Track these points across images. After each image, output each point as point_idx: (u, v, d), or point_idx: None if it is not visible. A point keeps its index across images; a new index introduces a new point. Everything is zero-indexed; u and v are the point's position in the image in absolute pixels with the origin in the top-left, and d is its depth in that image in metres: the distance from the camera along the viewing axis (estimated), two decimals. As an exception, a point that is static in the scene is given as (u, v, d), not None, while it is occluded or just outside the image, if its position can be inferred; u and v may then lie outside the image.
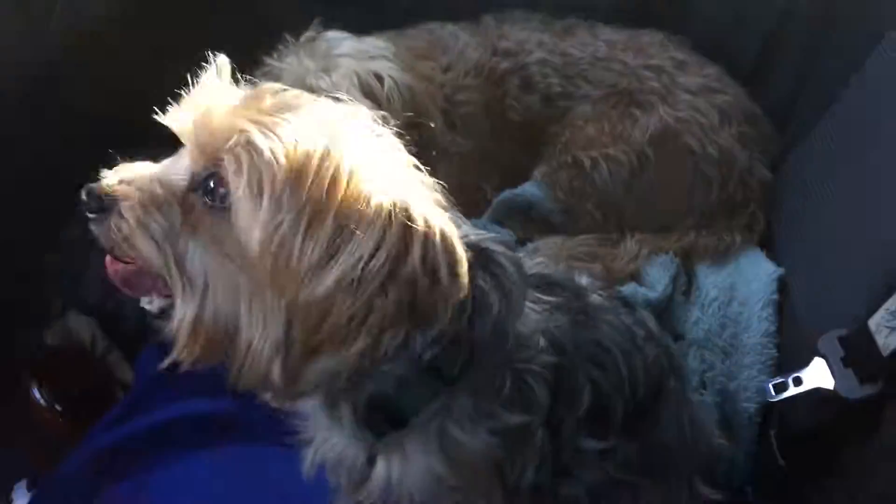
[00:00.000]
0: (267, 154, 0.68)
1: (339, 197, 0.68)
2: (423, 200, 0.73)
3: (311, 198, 0.68)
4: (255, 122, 0.70)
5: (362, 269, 0.67)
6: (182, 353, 0.74)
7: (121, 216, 0.76)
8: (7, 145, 1.31)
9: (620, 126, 1.49)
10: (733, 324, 1.31)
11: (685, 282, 1.41)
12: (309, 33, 1.44)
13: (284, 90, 0.77)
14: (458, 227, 0.77)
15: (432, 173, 1.49)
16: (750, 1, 1.59)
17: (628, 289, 1.38)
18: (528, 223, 1.54)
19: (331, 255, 0.68)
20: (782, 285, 1.30)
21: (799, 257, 1.30)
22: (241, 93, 0.77)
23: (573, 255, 1.44)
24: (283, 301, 0.69)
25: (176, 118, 0.77)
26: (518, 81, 1.54)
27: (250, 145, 0.69)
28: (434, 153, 1.54)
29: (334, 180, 0.69)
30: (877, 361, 0.95)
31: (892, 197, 1.10)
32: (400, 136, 1.14)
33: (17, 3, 1.26)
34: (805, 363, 1.04)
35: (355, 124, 0.77)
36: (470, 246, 0.76)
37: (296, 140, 0.69)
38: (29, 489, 1.28)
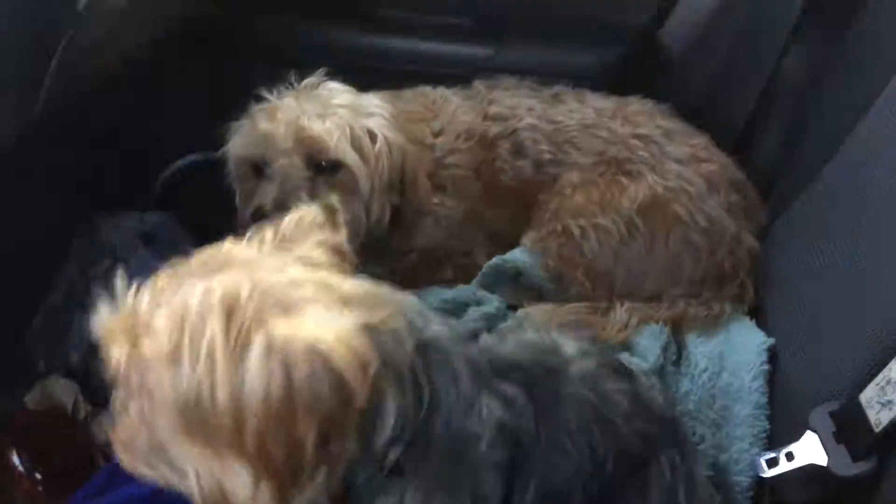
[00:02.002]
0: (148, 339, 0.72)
1: (224, 346, 0.69)
2: (321, 323, 0.70)
3: (199, 354, 0.69)
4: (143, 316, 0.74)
5: (264, 406, 0.68)
6: None
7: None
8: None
9: (609, 194, 1.49)
10: (723, 395, 1.30)
11: (675, 351, 1.40)
12: (311, 79, 1.47)
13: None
14: (409, 319, 0.80)
15: (419, 237, 1.52)
16: (737, 70, 1.63)
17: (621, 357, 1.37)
18: (517, 290, 1.54)
19: (238, 404, 0.68)
20: (772, 355, 1.30)
21: (788, 328, 1.30)
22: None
23: (563, 322, 1.43)
24: (239, 462, 0.71)
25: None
26: (509, 146, 1.56)
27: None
28: (419, 217, 1.56)
29: (221, 327, 0.69)
30: (869, 437, 0.94)
31: (882, 268, 1.10)
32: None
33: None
34: (797, 436, 1.03)
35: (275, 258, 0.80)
36: (417, 344, 0.78)
37: (176, 308, 0.72)
38: (4, 562, 1.24)
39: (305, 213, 0.87)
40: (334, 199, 1.31)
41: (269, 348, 0.68)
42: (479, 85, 1.65)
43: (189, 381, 0.69)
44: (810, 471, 1.01)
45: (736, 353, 1.35)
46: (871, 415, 0.94)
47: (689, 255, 1.45)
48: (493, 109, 1.59)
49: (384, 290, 0.81)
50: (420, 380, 0.79)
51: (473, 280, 1.56)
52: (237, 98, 1.48)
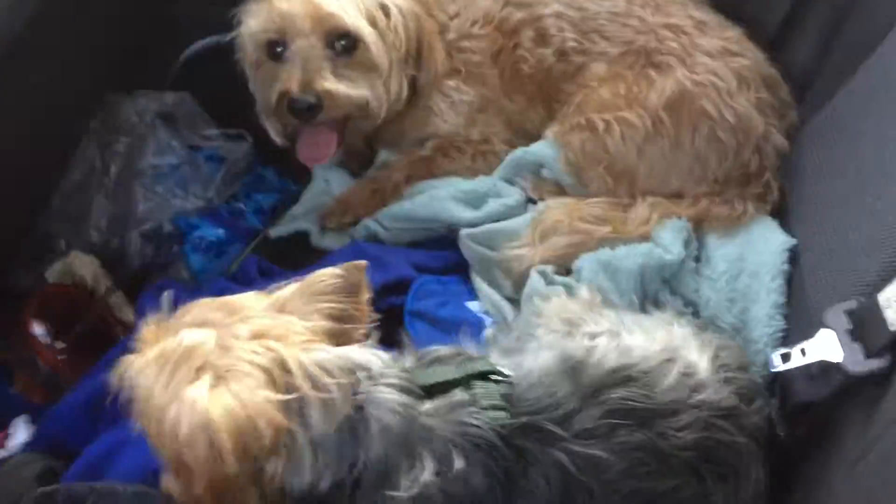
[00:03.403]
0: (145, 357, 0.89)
1: (167, 385, 0.86)
2: (234, 392, 0.84)
3: (156, 382, 0.86)
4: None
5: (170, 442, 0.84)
6: None
7: None
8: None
9: (636, 88, 1.46)
10: (742, 298, 1.29)
11: (696, 247, 1.39)
12: None
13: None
14: (354, 386, 0.89)
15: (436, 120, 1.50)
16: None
17: (644, 248, 1.36)
18: (538, 183, 1.52)
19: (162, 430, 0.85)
20: (793, 256, 1.29)
21: (811, 228, 1.28)
22: None
23: (582, 217, 1.42)
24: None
25: None
26: (532, 33, 1.52)
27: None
28: (434, 98, 1.54)
29: (174, 369, 0.86)
30: (884, 336, 0.93)
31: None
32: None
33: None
34: (812, 335, 1.03)
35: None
36: (354, 409, 0.89)
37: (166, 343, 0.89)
38: (29, 424, 1.28)
39: (312, 278, 0.96)
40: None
41: (185, 404, 0.83)
42: (503, -31, 1.60)
43: (147, 397, 0.87)
44: (821, 368, 1.01)
45: (757, 254, 1.34)
46: (889, 314, 0.93)
47: (714, 153, 1.42)
48: None
49: (344, 358, 0.91)
50: (344, 443, 0.88)
51: (494, 172, 1.55)
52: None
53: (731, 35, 1.49)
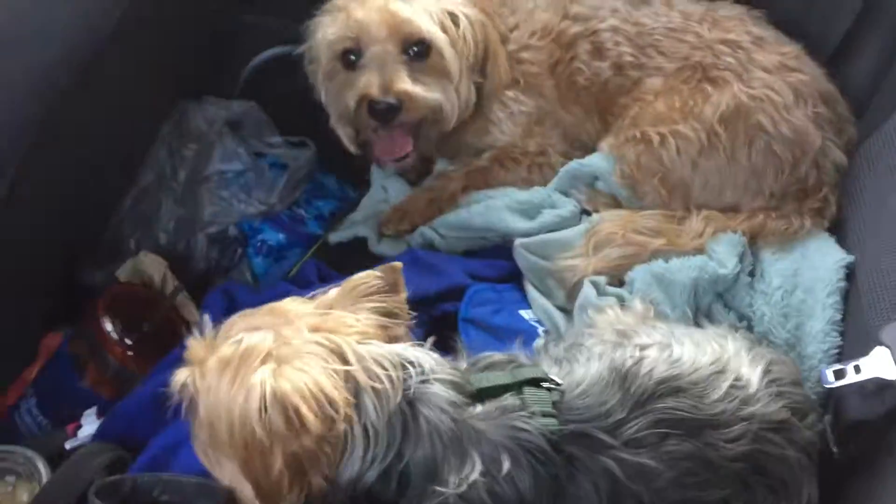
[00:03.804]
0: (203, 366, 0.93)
1: (232, 379, 0.89)
2: (299, 373, 0.87)
3: (221, 381, 0.90)
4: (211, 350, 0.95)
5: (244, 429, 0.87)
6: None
7: None
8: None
9: (691, 102, 1.46)
10: (797, 313, 1.29)
11: (751, 262, 1.39)
12: None
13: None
14: (404, 378, 0.92)
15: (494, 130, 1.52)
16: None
17: (698, 261, 1.37)
18: (593, 195, 1.54)
19: (233, 424, 0.89)
20: (850, 273, 1.28)
21: (869, 245, 1.28)
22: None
23: (636, 229, 1.43)
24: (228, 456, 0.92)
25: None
26: (588, 46, 1.54)
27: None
28: (494, 108, 1.57)
29: (237, 364, 0.90)
30: (940, 356, 0.94)
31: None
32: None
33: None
34: (867, 352, 1.03)
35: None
36: (404, 402, 0.92)
37: (224, 349, 0.92)
38: (98, 417, 1.33)
39: (362, 278, 1.00)
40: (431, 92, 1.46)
41: (255, 387, 0.86)
42: (562, -17, 1.62)
43: (212, 400, 0.91)
44: (876, 386, 1.01)
45: (813, 269, 1.34)
46: (946, 333, 0.94)
47: (771, 167, 1.42)
48: (574, 9, 1.56)
49: (396, 353, 0.94)
50: (394, 435, 0.91)
51: (550, 183, 1.57)
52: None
53: (789, 51, 1.49)
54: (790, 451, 0.98)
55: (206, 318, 1.00)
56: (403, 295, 1.02)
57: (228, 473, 0.94)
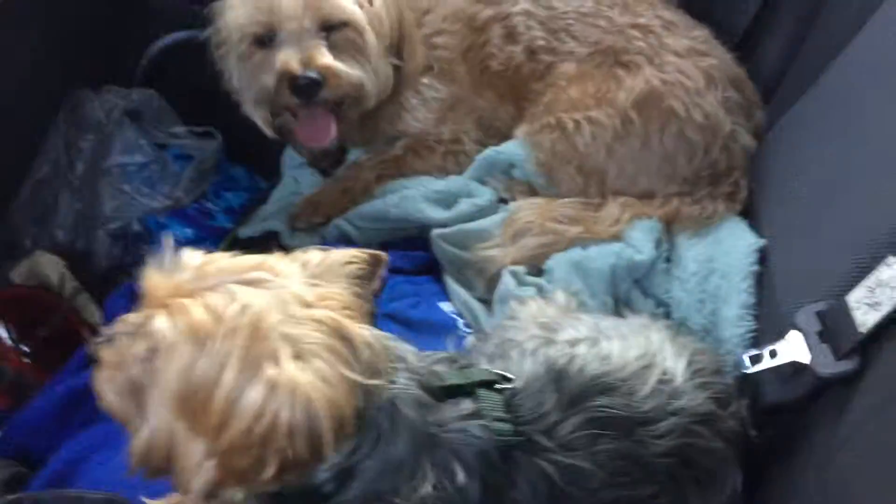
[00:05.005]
0: (180, 320, 0.80)
1: (239, 361, 0.78)
2: (316, 370, 0.79)
3: (217, 357, 0.78)
4: (183, 293, 0.82)
5: (251, 424, 0.77)
6: (137, 464, 0.85)
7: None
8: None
9: (605, 87, 1.47)
10: (712, 299, 1.31)
11: (667, 248, 1.40)
12: None
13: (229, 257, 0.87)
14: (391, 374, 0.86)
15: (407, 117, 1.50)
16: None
17: (615, 248, 1.37)
18: (510, 183, 1.53)
19: (231, 410, 0.77)
20: (762, 257, 1.30)
21: (780, 228, 1.30)
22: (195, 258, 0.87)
23: (553, 217, 1.43)
24: (204, 444, 0.79)
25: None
26: (501, 31, 1.53)
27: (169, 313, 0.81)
28: (407, 94, 1.54)
29: (238, 344, 0.78)
30: (853, 338, 0.95)
31: (877, 172, 1.09)
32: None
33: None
34: (782, 336, 1.04)
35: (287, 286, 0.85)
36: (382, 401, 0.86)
37: (209, 307, 0.80)
38: (-7, 430, 1.26)
39: (342, 254, 0.92)
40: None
41: (275, 383, 0.77)
42: (474, -33, 1.60)
43: (200, 370, 0.79)
44: (791, 369, 1.02)
45: (726, 254, 1.35)
46: (858, 315, 0.95)
47: (683, 152, 1.44)
48: None
49: (387, 345, 0.88)
50: (371, 437, 0.86)
51: (465, 172, 1.55)
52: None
53: (699, 35, 1.51)
54: (716, 442, 0.99)
55: (169, 240, 0.88)
56: (376, 286, 0.96)
57: (166, 424, 0.81)
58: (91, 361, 0.90)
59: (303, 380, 0.77)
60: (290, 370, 0.77)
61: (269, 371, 0.77)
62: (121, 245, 1.60)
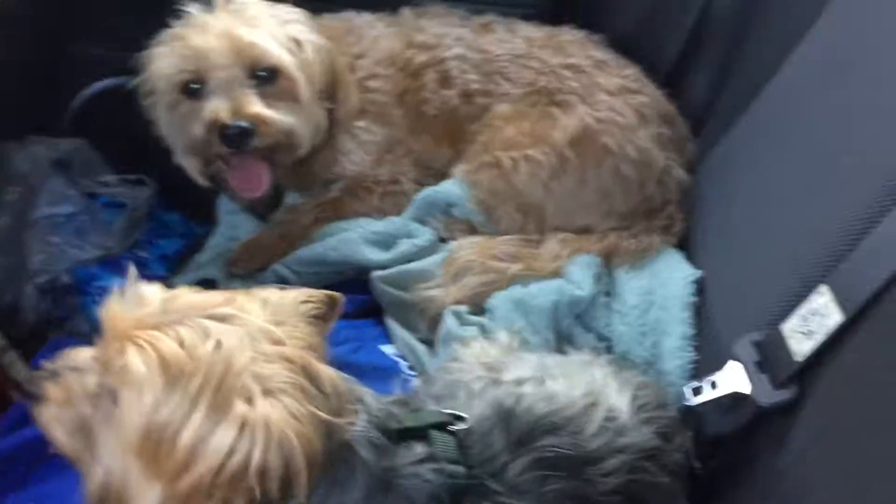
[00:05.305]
0: (151, 354, 0.76)
1: (210, 399, 0.75)
2: (287, 407, 0.77)
3: (187, 395, 0.75)
4: (150, 326, 0.78)
5: (220, 464, 0.74)
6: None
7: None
8: None
9: (540, 126, 1.48)
10: (653, 331, 1.32)
11: (607, 283, 1.41)
12: None
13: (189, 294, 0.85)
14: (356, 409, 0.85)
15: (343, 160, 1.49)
16: (668, 5, 1.62)
17: (556, 284, 1.38)
18: (449, 222, 1.53)
19: (196, 451, 0.74)
20: (700, 287, 1.32)
21: (716, 259, 1.32)
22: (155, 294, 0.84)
23: (494, 255, 1.43)
24: (161, 489, 0.76)
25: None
26: (435, 75, 1.54)
27: (140, 347, 0.77)
28: (342, 138, 1.53)
29: (211, 382, 0.76)
30: (790, 367, 0.96)
31: (806, 202, 1.12)
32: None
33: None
34: (722, 366, 1.05)
35: (247, 320, 0.82)
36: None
37: (182, 342, 0.77)
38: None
39: (298, 294, 0.90)
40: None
41: (247, 421, 0.74)
42: (406, 12, 1.62)
43: (167, 409, 0.75)
44: (733, 400, 1.03)
45: (664, 286, 1.37)
46: (793, 344, 0.96)
47: (619, 188, 1.46)
48: (419, 37, 1.56)
49: (349, 386, 0.87)
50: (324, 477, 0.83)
51: (405, 212, 1.54)
52: (157, 23, 1.41)
53: (630, 73, 1.54)
54: (662, 476, 0.99)
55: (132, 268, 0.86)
56: (329, 327, 0.94)
57: (119, 466, 0.78)
58: (33, 400, 0.85)
59: (276, 417, 0.75)
60: (263, 408, 0.75)
61: (240, 409, 0.75)
62: (49, 299, 1.53)
